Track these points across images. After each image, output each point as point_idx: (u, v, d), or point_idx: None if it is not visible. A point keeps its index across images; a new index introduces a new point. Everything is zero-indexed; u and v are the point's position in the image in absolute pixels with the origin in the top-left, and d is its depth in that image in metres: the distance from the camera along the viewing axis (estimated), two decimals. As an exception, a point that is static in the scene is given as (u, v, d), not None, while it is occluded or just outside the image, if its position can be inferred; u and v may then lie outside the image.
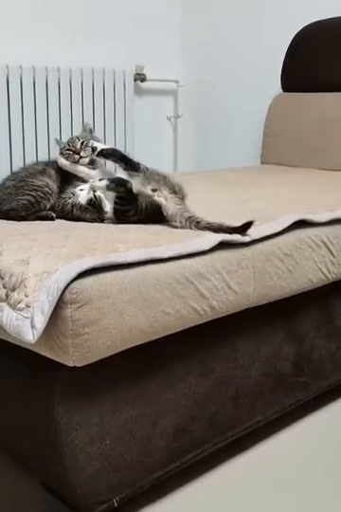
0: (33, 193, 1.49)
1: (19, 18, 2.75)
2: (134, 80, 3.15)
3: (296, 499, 1.37)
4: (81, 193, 1.49)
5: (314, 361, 1.63)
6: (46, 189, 1.51)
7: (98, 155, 1.54)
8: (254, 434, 1.53)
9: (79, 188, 1.51)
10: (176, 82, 3.38)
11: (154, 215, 1.40)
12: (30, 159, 2.53)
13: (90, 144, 1.55)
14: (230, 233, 1.31)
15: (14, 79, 2.69)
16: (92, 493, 1.20)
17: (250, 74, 3.09)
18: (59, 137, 2.81)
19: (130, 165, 1.48)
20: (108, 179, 1.45)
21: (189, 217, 1.37)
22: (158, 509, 1.32)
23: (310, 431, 1.62)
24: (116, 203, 1.42)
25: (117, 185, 1.43)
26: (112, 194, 1.43)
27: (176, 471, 1.34)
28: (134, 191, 1.42)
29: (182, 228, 1.36)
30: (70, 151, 1.55)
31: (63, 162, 1.56)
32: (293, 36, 2.72)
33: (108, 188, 1.44)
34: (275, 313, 1.49)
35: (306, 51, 2.67)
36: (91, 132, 1.61)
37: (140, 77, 3.19)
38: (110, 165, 1.59)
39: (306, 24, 2.70)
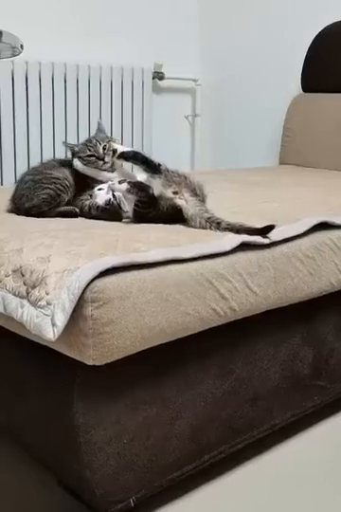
0: (52, 186, 1.48)
1: (38, 15, 2.75)
2: (153, 78, 3.15)
3: (313, 501, 1.36)
4: (100, 193, 1.47)
5: (332, 365, 1.61)
6: (66, 181, 1.50)
7: (118, 158, 1.52)
8: (271, 437, 1.52)
9: (97, 187, 1.49)
10: (194, 80, 3.37)
11: (175, 217, 1.39)
12: (48, 156, 2.54)
13: (111, 147, 1.52)
14: (251, 234, 1.30)
15: (33, 75, 2.70)
16: (109, 492, 1.20)
17: (269, 73, 3.07)
18: (76, 134, 2.84)
19: (151, 167, 1.46)
20: (129, 182, 1.43)
21: (209, 218, 1.36)
22: (175, 510, 1.32)
23: (327, 435, 1.61)
24: (137, 206, 1.40)
25: (139, 189, 1.41)
26: (132, 197, 1.41)
27: (193, 472, 1.34)
28: (156, 194, 1.40)
29: (202, 228, 1.35)
30: (93, 156, 1.52)
31: (84, 168, 1.53)
32: (314, 36, 2.70)
33: (129, 191, 1.41)
34: (294, 315, 1.48)
35: (327, 51, 2.65)
36: (104, 131, 1.59)
37: (159, 75, 3.18)
38: (128, 165, 1.57)
39: (327, 24, 2.68)
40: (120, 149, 1.53)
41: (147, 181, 1.43)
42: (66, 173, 1.52)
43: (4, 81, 2.63)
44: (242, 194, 1.88)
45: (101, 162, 1.52)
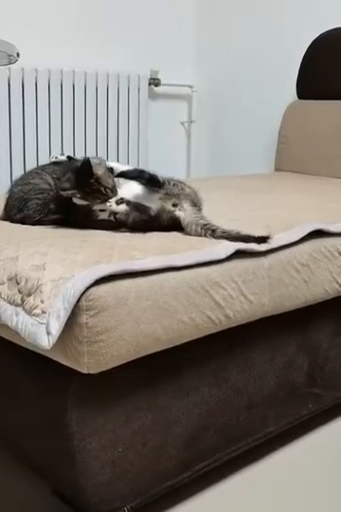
0: (40, 196, 1.48)
1: (34, 21, 2.76)
2: (149, 84, 3.16)
3: (308, 508, 1.36)
4: (101, 215, 1.42)
5: (327, 372, 1.62)
6: (52, 192, 1.48)
7: (117, 176, 1.44)
8: (266, 444, 1.52)
9: (97, 208, 1.41)
10: (190, 86, 3.38)
11: (174, 228, 1.38)
12: (44, 162, 2.53)
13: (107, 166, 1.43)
14: (246, 242, 1.31)
15: (29, 82, 2.70)
16: (103, 500, 1.20)
17: (265, 80, 3.08)
18: (72, 141, 2.84)
19: (154, 183, 1.42)
20: (127, 204, 1.38)
21: (205, 225, 1.36)
22: (169, 518, 1.31)
23: (322, 443, 1.61)
24: (136, 223, 1.37)
25: (138, 211, 1.37)
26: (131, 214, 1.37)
27: (188, 480, 1.33)
28: (156, 211, 1.38)
29: (198, 235, 1.35)
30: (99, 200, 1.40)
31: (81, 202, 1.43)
32: (309, 43, 2.71)
33: (127, 214, 1.37)
34: (289, 323, 1.48)
35: (322, 58, 2.66)
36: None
37: (155, 81, 3.19)
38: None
39: (323, 31, 2.69)
40: (119, 168, 1.47)
41: (145, 195, 1.41)
42: (51, 183, 1.49)
43: (0, 87, 2.63)
44: (237, 201, 1.88)
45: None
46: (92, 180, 1.36)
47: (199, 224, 1.36)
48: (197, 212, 1.41)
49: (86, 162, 1.37)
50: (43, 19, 2.78)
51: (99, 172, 1.37)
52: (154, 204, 1.39)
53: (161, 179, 1.44)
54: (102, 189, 1.37)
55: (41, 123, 2.76)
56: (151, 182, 1.42)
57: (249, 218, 1.57)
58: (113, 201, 1.38)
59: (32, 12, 2.75)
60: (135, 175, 1.45)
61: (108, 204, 1.38)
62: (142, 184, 1.42)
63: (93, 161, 1.38)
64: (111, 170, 1.45)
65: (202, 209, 1.46)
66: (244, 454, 1.45)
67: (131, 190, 1.43)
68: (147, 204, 1.39)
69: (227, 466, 1.45)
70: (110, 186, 1.38)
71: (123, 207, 1.37)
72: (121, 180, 1.45)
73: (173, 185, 1.45)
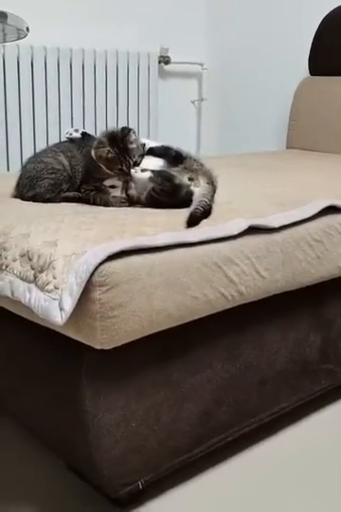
0: (53, 176, 1.48)
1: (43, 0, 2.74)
2: (159, 62, 3.13)
3: (321, 484, 1.36)
4: (113, 192, 1.43)
5: (340, 349, 1.61)
6: (65, 173, 1.47)
7: (147, 154, 1.45)
8: (279, 420, 1.52)
9: (109, 184, 1.44)
10: (201, 64, 3.35)
11: (188, 202, 1.37)
12: (54, 141, 2.52)
13: (141, 146, 1.45)
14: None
15: (39, 60, 2.68)
16: (117, 475, 1.20)
17: (276, 57, 3.04)
18: (82, 119, 2.83)
19: (179, 160, 1.42)
20: (152, 171, 1.38)
21: (200, 201, 1.33)
22: (183, 493, 1.32)
23: (335, 419, 1.61)
24: (156, 193, 1.37)
25: (164, 179, 1.36)
26: (149, 185, 1.37)
27: (201, 455, 1.34)
28: (180, 180, 1.37)
29: None
30: (121, 170, 1.42)
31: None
32: (321, 18, 2.67)
33: (151, 180, 1.37)
34: (302, 299, 1.48)
35: (334, 34, 2.62)
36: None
37: (164, 59, 3.16)
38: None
39: (335, 6, 2.64)
40: (148, 144, 1.48)
41: (164, 168, 1.40)
42: (65, 163, 1.49)
43: (9, 65, 2.62)
44: (249, 179, 1.87)
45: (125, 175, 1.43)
46: (123, 146, 1.41)
47: (199, 199, 1.34)
48: (210, 190, 1.40)
49: (126, 128, 1.43)
50: (51, -3, 2.76)
51: (134, 144, 1.42)
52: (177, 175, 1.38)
53: (184, 155, 1.45)
54: (129, 160, 1.41)
55: (50, 102, 2.75)
56: (175, 158, 1.44)
57: (261, 195, 1.56)
58: (138, 168, 1.41)
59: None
60: (162, 152, 1.47)
61: (133, 171, 1.40)
62: (164, 159, 1.43)
63: (132, 132, 1.43)
64: (143, 146, 1.46)
65: (216, 188, 1.44)
66: (257, 430, 1.46)
67: (151, 162, 1.44)
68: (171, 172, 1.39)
69: (240, 442, 1.45)
70: (137, 160, 1.42)
71: (147, 174, 1.38)
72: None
73: (194, 160, 1.44)
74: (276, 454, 1.46)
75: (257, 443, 1.49)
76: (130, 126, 1.49)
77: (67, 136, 1.57)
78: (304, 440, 1.52)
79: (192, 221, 1.26)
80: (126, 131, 1.43)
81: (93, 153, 1.43)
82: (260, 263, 1.28)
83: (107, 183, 1.44)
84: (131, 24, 3.03)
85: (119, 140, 1.42)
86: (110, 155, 1.40)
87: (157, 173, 1.38)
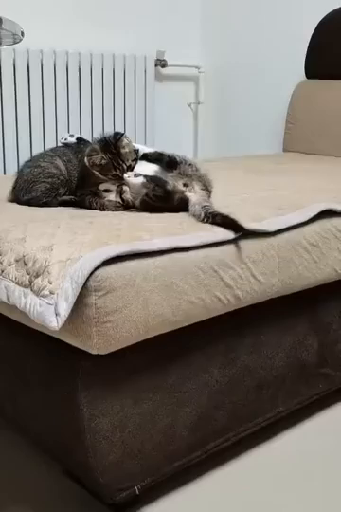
0: (49, 180, 1.48)
1: (40, 3, 2.73)
2: (155, 65, 3.13)
3: (318, 489, 1.36)
4: (108, 196, 1.43)
5: (337, 352, 1.61)
6: (61, 177, 1.48)
7: (140, 159, 1.46)
8: (276, 425, 1.52)
9: (103, 188, 1.44)
10: (197, 67, 3.35)
11: (182, 208, 1.37)
12: (50, 144, 2.53)
13: (134, 151, 1.45)
14: (225, 228, 1.26)
15: (35, 63, 2.68)
16: (114, 480, 1.20)
17: (273, 61, 3.04)
18: (78, 122, 2.83)
19: (172, 165, 1.42)
20: (145, 177, 1.38)
21: (204, 206, 1.32)
22: (179, 497, 1.32)
23: (332, 423, 1.61)
24: (150, 199, 1.37)
25: (156, 184, 1.36)
26: (143, 190, 1.37)
27: (198, 460, 1.34)
28: (172, 186, 1.37)
29: (197, 217, 1.31)
30: (116, 175, 1.42)
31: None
32: (318, 22, 2.68)
33: (144, 185, 1.37)
34: (299, 303, 1.48)
35: (331, 38, 2.62)
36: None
37: (161, 62, 3.17)
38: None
39: (331, 9, 2.65)
40: (142, 150, 1.48)
41: (159, 173, 1.40)
42: (62, 168, 1.49)
43: (6, 69, 2.61)
44: (246, 182, 1.87)
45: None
46: (116, 152, 1.40)
47: (202, 204, 1.34)
48: (205, 196, 1.39)
49: (118, 134, 1.42)
50: (48, 0, 2.76)
51: (127, 149, 1.42)
52: (170, 181, 1.38)
53: (178, 160, 1.44)
54: (123, 165, 1.40)
55: (46, 105, 2.75)
56: (169, 164, 1.43)
57: (258, 199, 1.56)
58: (131, 173, 1.40)
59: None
60: (156, 157, 1.47)
61: (126, 175, 1.40)
62: (158, 165, 1.43)
63: (124, 136, 1.43)
64: (136, 151, 1.46)
65: (211, 192, 1.44)
66: (254, 434, 1.45)
67: (146, 168, 1.43)
68: (164, 178, 1.39)
69: (237, 447, 1.45)
70: (130, 164, 1.42)
71: (140, 179, 1.38)
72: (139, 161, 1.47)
73: (189, 165, 1.44)
74: (273, 459, 1.46)
75: (254, 447, 1.48)
76: (127, 129, 1.49)
77: (62, 141, 1.57)
78: (301, 444, 1.52)
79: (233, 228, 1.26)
80: (118, 136, 1.43)
81: (86, 160, 1.42)
82: (256, 267, 1.28)
83: (102, 187, 1.44)
84: (127, 27, 3.04)
85: (112, 146, 1.41)
86: (103, 162, 1.40)
87: (150, 179, 1.38)
